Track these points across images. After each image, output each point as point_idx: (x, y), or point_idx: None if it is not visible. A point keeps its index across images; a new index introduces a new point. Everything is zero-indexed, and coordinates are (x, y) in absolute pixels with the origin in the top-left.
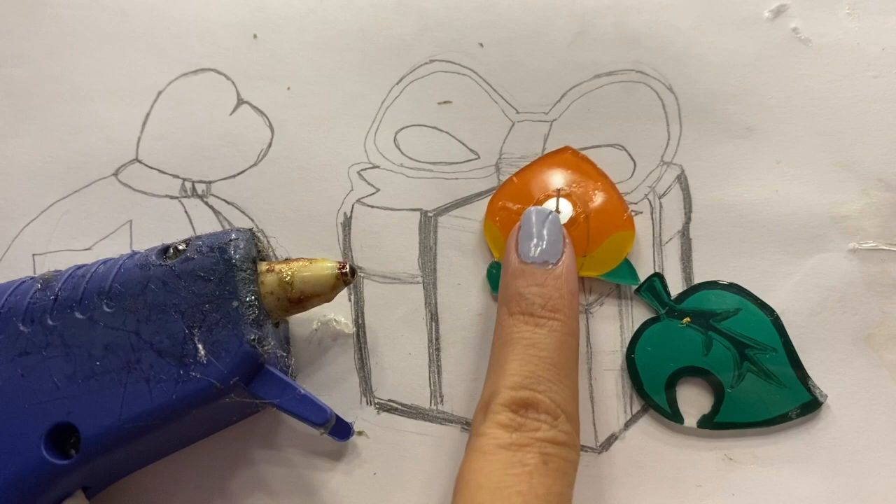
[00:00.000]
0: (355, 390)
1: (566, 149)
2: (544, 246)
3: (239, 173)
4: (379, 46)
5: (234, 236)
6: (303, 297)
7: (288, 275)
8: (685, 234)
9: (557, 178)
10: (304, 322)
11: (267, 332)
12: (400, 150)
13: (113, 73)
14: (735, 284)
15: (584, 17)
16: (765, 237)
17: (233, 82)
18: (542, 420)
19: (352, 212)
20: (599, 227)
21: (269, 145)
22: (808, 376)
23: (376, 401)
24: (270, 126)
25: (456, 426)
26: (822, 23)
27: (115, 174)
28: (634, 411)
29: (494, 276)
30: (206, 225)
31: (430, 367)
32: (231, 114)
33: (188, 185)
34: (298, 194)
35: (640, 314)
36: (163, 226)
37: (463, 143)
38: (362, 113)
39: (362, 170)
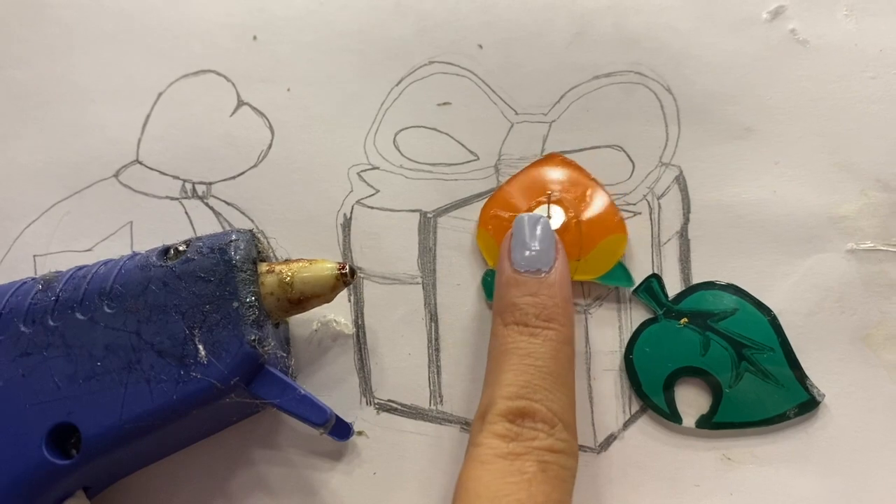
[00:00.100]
0: (355, 390)
1: (555, 155)
2: (536, 253)
3: (239, 174)
4: (378, 48)
5: (234, 237)
6: (303, 298)
7: (288, 275)
8: (683, 235)
9: (548, 184)
10: (304, 323)
11: (267, 333)
12: (399, 151)
13: (113, 74)
14: (732, 285)
15: (583, 18)
16: (763, 237)
17: (233, 84)
18: (539, 429)
19: (351, 213)
20: (592, 232)
21: (269, 146)
22: (806, 376)
23: (376, 401)
24: (270, 127)
25: (455, 426)
26: (820, 24)
27: (116, 175)
28: (633, 411)
29: (489, 283)
30: (207, 226)
31: (429, 367)
32: (231, 115)
33: (188, 186)
34: (298, 195)
35: (638, 315)
36: (163, 227)
37: (462, 145)
38: (362, 114)
39: (362, 171)
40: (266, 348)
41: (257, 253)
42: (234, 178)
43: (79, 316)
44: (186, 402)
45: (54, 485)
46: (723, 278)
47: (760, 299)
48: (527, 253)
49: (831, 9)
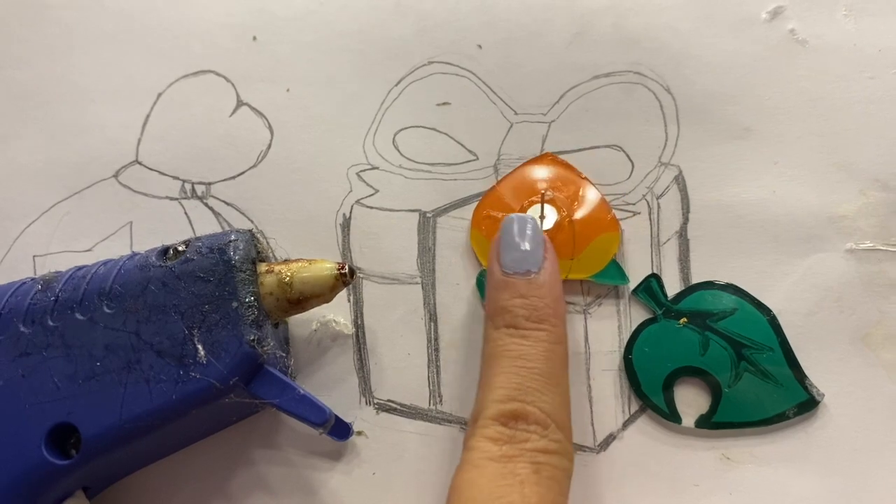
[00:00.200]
0: (354, 390)
1: (546, 155)
2: (524, 254)
3: (238, 175)
4: (378, 48)
5: (233, 237)
6: (302, 298)
7: (287, 275)
8: (683, 235)
9: (540, 183)
10: (303, 323)
11: (266, 333)
12: (399, 151)
13: (113, 74)
14: (731, 285)
15: (583, 18)
16: (762, 237)
17: (232, 84)
18: (532, 431)
19: (351, 213)
20: (584, 230)
21: (269, 147)
22: (805, 375)
23: (375, 401)
24: (270, 127)
25: (455, 426)
26: (820, 24)
27: (116, 175)
28: (632, 411)
29: (483, 284)
30: (206, 226)
31: (428, 367)
32: (231, 115)
33: (188, 186)
34: (298, 195)
35: (637, 315)
36: (163, 227)
37: (461, 145)
38: (361, 114)
39: (361, 171)
40: (265, 348)
41: (257, 253)
42: (233, 178)
43: (78, 316)
44: (186, 402)
45: (54, 485)
46: (722, 278)
47: (760, 299)
48: (515, 254)
49: (830, 9)
